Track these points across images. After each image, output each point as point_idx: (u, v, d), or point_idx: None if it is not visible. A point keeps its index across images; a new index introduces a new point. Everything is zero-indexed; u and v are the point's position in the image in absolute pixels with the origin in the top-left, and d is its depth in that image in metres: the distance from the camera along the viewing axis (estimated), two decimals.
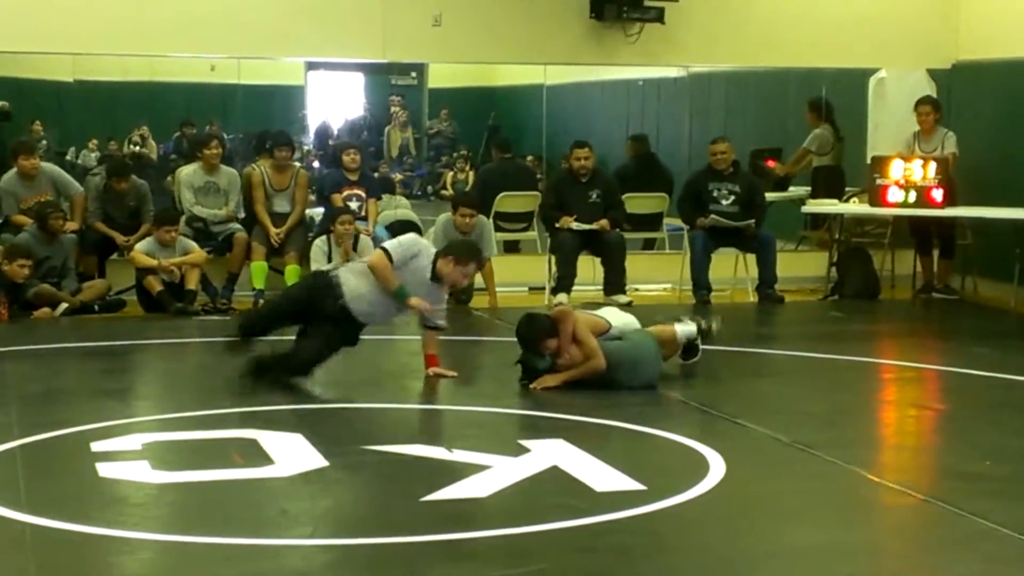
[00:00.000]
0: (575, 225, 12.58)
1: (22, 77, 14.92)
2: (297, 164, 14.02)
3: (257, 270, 12.49)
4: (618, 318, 8.91)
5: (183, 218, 12.42)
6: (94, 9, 12.97)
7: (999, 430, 7.74)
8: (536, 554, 5.43)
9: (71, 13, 12.88)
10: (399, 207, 14.50)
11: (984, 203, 12.89)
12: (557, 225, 12.72)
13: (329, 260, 11.66)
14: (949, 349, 10.80)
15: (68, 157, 15.73)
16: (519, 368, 8.71)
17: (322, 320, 8.67)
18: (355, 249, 11.89)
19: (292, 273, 12.30)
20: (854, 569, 5.36)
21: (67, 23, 12.87)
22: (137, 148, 16.31)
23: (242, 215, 12.83)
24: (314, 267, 11.63)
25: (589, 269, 12.90)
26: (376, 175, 14.85)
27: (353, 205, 12.70)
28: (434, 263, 8.73)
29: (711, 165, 13.02)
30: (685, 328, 8.91)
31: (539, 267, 13.25)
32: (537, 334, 8.55)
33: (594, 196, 12.78)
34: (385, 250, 8.73)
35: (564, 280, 12.63)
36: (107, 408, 8.14)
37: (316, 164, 18.70)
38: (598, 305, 10.81)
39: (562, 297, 12.30)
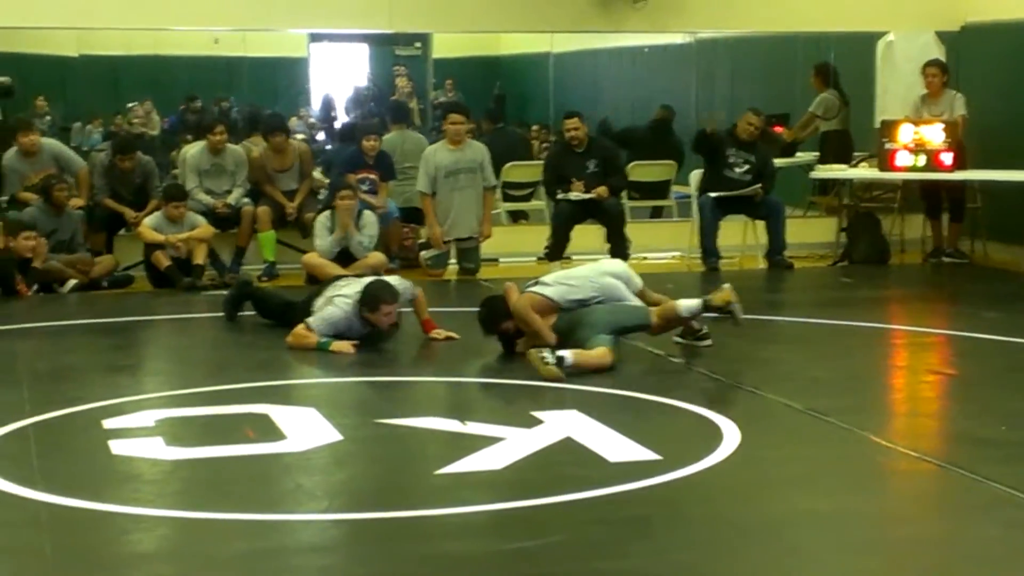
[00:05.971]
0: (572, 195, 12.45)
1: (25, 52, 14.87)
2: (297, 140, 13.93)
3: (266, 240, 12.44)
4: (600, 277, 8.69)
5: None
6: None
7: (1013, 395, 7.72)
8: (552, 526, 5.41)
9: None
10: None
11: (994, 166, 12.83)
12: (560, 196, 12.59)
13: (331, 234, 11.61)
14: (960, 313, 10.75)
15: (73, 133, 15.70)
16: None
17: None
18: (357, 225, 11.73)
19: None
20: (871, 536, 5.34)
21: None
22: (137, 126, 16.25)
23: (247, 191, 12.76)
24: (316, 241, 11.62)
25: (596, 238, 12.85)
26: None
27: (364, 187, 12.55)
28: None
29: (733, 132, 12.86)
30: (689, 304, 8.54)
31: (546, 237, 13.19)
32: (493, 318, 8.61)
33: (592, 166, 12.59)
34: (307, 324, 8.99)
35: (553, 249, 12.57)
36: (118, 385, 8.14)
37: (321, 136, 18.68)
38: None
39: (555, 267, 12.26)
